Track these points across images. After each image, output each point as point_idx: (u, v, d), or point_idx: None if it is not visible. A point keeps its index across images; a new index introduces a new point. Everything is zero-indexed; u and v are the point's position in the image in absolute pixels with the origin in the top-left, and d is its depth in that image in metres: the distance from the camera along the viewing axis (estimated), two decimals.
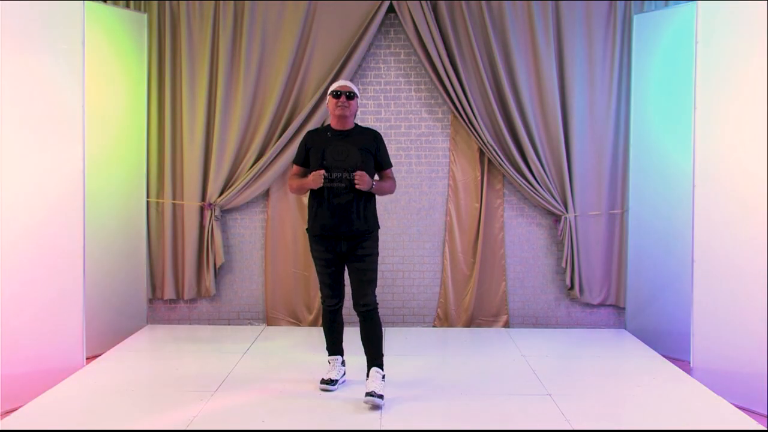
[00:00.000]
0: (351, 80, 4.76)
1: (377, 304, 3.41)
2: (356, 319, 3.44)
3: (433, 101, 4.90)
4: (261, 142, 4.75)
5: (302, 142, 3.51)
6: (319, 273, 3.49)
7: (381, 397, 3.26)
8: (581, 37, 4.75)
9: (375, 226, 3.45)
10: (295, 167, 3.52)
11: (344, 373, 3.66)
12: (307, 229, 3.48)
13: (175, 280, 4.89)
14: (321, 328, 4.80)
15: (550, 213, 4.87)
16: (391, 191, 3.54)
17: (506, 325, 4.90)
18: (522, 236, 4.94)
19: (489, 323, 4.91)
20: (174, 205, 4.86)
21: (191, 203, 4.82)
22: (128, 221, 4.65)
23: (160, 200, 4.86)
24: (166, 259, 4.85)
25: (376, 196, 3.52)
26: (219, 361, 3.99)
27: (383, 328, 4.48)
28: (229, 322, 4.97)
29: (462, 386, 3.57)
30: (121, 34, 4.53)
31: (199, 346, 4.38)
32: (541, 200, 4.77)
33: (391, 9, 4.73)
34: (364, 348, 3.43)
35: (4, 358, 3.37)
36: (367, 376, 3.40)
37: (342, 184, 3.31)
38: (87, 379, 3.65)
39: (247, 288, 4.98)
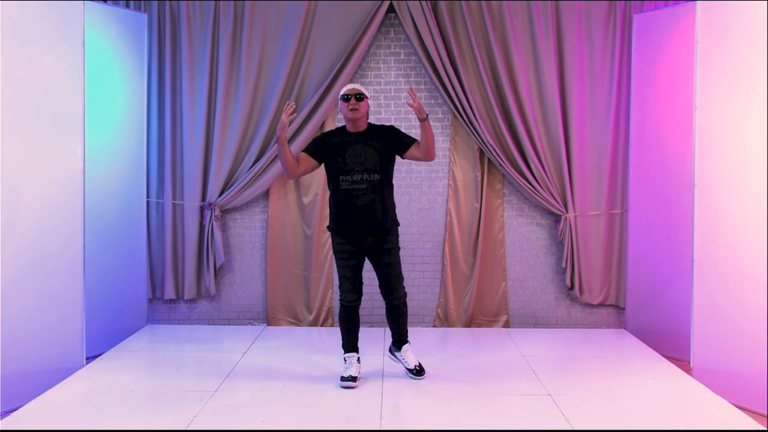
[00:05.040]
0: (351, 80, 4.76)
1: (406, 293, 3.70)
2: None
3: (433, 101, 4.90)
4: (261, 142, 4.75)
5: (317, 137, 3.65)
6: (340, 267, 3.58)
7: (423, 367, 3.69)
8: (581, 37, 4.75)
9: (396, 222, 3.65)
10: (301, 153, 3.61)
11: (359, 371, 3.64)
12: (328, 227, 3.64)
13: (175, 280, 4.88)
14: (321, 329, 4.85)
15: (550, 213, 4.86)
16: (433, 136, 3.44)
17: (506, 325, 4.90)
18: (522, 236, 4.94)
19: (489, 323, 4.91)
20: (174, 205, 4.86)
21: (191, 203, 4.82)
22: (128, 221, 4.64)
23: (160, 200, 4.86)
24: (166, 259, 4.84)
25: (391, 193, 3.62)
26: (219, 361, 3.99)
27: (382, 329, 4.53)
28: (229, 322, 4.97)
29: (462, 386, 3.56)
30: (121, 33, 4.52)
31: (199, 346, 4.39)
32: (541, 200, 4.77)
33: (391, 9, 4.73)
34: (391, 326, 3.71)
35: (4, 358, 3.37)
36: (395, 352, 3.72)
37: (363, 185, 3.46)
38: (87, 379, 3.65)
39: (247, 288, 4.98)
